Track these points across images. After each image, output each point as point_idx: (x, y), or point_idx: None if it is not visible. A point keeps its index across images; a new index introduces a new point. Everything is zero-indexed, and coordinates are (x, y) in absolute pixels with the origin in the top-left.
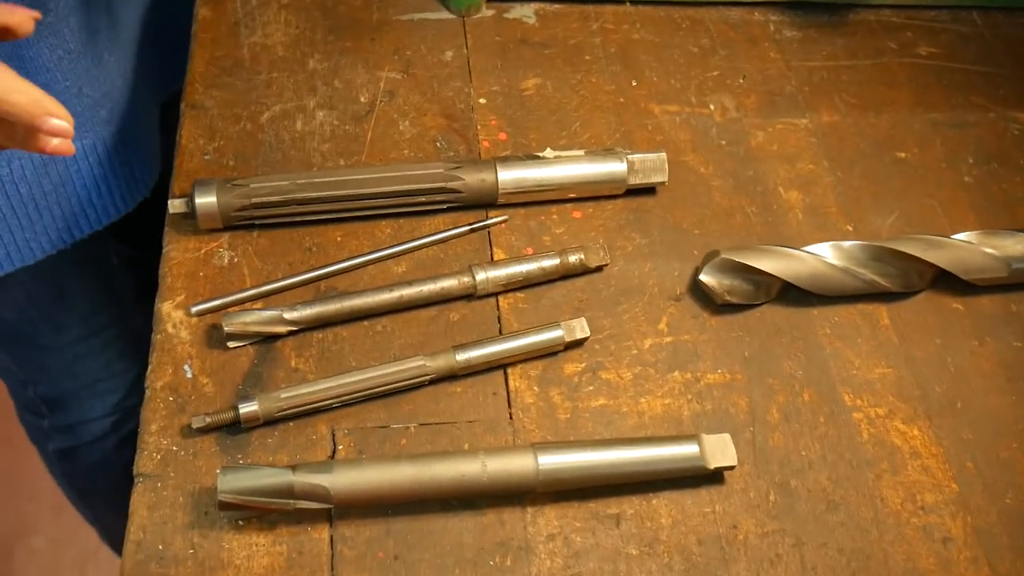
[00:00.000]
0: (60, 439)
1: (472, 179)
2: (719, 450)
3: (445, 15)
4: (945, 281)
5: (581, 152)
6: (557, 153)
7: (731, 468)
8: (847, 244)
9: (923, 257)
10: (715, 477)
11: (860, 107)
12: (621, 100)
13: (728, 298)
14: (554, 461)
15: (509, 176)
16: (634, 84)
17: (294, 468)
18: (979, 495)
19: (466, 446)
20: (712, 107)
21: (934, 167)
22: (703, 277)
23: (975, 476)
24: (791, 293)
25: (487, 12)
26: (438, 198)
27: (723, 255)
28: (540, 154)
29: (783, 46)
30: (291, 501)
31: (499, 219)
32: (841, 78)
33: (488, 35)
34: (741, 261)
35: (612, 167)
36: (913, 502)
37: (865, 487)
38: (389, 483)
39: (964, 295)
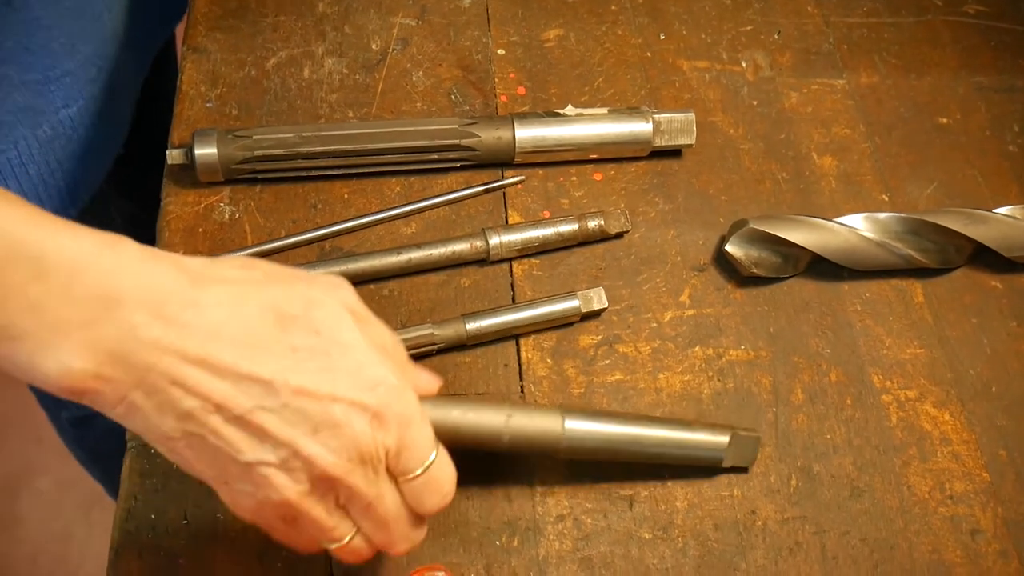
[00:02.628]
0: (75, 407)
1: (488, 136)
2: (749, 448)
3: None
4: (984, 257)
5: (604, 110)
6: (579, 111)
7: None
8: (882, 216)
9: (964, 232)
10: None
11: (901, 68)
12: (648, 55)
13: (755, 270)
14: (582, 427)
15: (527, 134)
16: (662, 37)
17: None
18: (1011, 485)
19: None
20: (744, 64)
21: (977, 135)
22: (729, 247)
23: (1008, 465)
24: (820, 266)
25: None
26: (451, 156)
27: (751, 224)
28: (561, 111)
29: (822, 0)
30: None
31: (515, 179)
32: (882, 36)
33: None
34: (770, 232)
35: (637, 127)
36: (941, 491)
37: (892, 474)
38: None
39: (1003, 273)
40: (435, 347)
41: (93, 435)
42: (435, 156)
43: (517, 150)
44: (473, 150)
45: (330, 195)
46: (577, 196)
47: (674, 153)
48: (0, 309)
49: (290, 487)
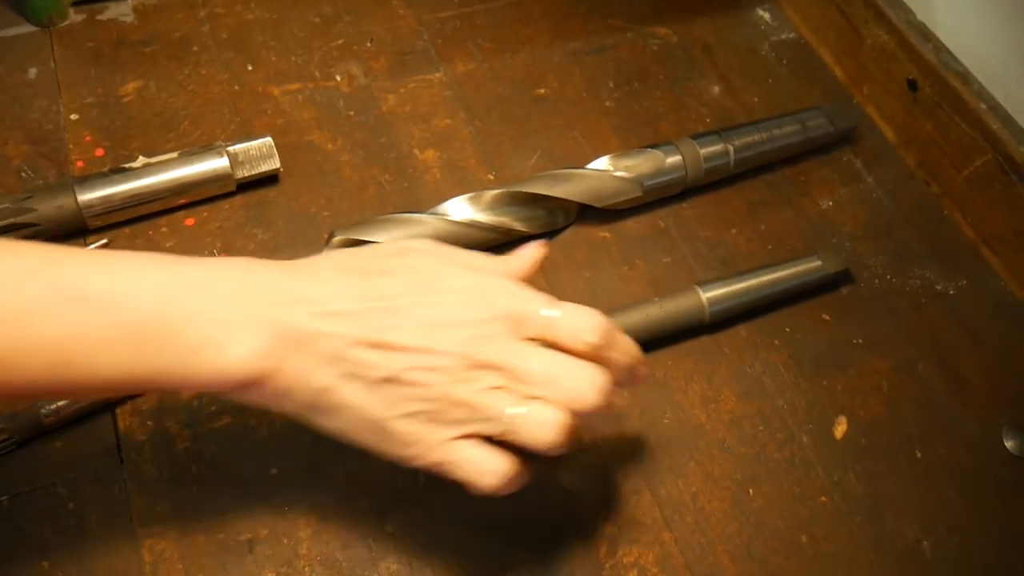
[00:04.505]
0: None
1: (48, 208)
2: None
3: (27, 28)
4: (592, 212)
5: (174, 154)
6: (146, 160)
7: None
8: (481, 195)
9: (551, 193)
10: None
11: (496, 51)
12: (236, 88)
13: None
14: (717, 292)
15: (92, 196)
16: (250, 68)
17: None
18: (637, 422)
19: (71, 505)
20: (339, 78)
21: (575, 98)
22: None
23: (632, 404)
24: None
25: (76, 18)
26: (10, 237)
27: (337, 235)
28: (127, 165)
29: (412, 1)
30: None
31: (97, 244)
32: (475, 23)
33: (79, 43)
34: (355, 238)
35: (212, 164)
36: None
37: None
38: None
39: (611, 222)
40: (12, 440)
41: None
42: None
43: (87, 215)
44: (35, 225)
45: None
46: (168, 247)
47: (271, 180)
48: (189, 331)
49: (434, 380)
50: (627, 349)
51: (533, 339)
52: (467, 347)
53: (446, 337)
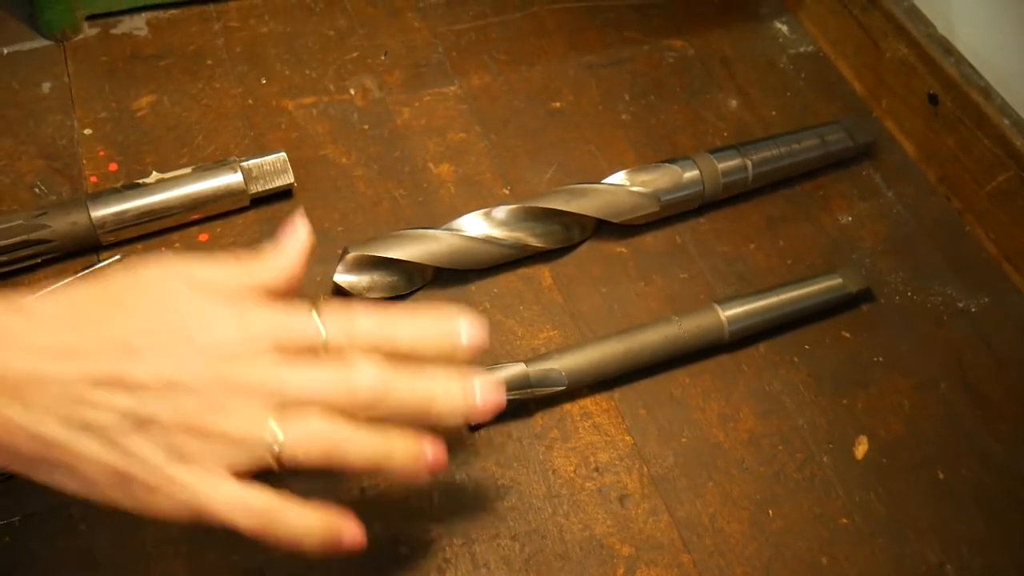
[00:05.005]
0: None
1: (61, 225)
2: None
3: (41, 43)
4: (608, 227)
5: (188, 169)
6: (160, 176)
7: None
8: (497, 210)
9: (567, 209)
10: None
11: (511, 63)
12: (250, 102)
13: (368, 295)
14: (736, 311)
15: (105, 212)
16: (263, 82)
17: (526, 362)
18: (654, 442)
19: (83, 527)
20: (353, 91)
21: (590, 111)
22: (337, 278)
23: (649, 422)
24: (448, 273)
25: (90, 32)
26: (24, 254)
27: (351, 251)
28: (141, 181)
29: (427, 13)
30: (530, 390)
31: (110, 260)
32: (490, 36)
33: (93, 57)
34: (370, 254)
35: (226, 179)
36: (587, 466)
37: (535, 462)
38: (608, 357)
39: (627, 237)
40: None
41: None
42: (4, 258)
43: (100, 231)
44: (49, 241)
45: None
46: None
47: (284, 195)
48: None
49: (184, 416)
50: (418, 331)
51: (303, 353)
52: (223, 376)
53: (196, 368)
